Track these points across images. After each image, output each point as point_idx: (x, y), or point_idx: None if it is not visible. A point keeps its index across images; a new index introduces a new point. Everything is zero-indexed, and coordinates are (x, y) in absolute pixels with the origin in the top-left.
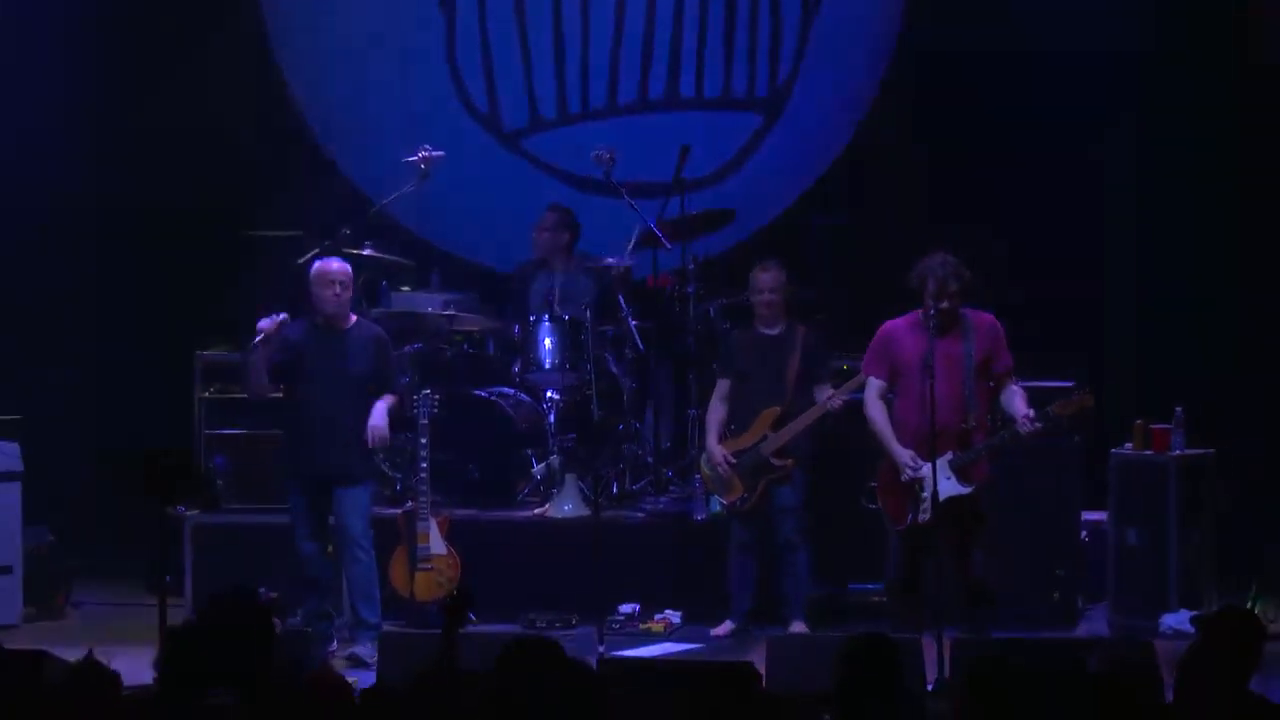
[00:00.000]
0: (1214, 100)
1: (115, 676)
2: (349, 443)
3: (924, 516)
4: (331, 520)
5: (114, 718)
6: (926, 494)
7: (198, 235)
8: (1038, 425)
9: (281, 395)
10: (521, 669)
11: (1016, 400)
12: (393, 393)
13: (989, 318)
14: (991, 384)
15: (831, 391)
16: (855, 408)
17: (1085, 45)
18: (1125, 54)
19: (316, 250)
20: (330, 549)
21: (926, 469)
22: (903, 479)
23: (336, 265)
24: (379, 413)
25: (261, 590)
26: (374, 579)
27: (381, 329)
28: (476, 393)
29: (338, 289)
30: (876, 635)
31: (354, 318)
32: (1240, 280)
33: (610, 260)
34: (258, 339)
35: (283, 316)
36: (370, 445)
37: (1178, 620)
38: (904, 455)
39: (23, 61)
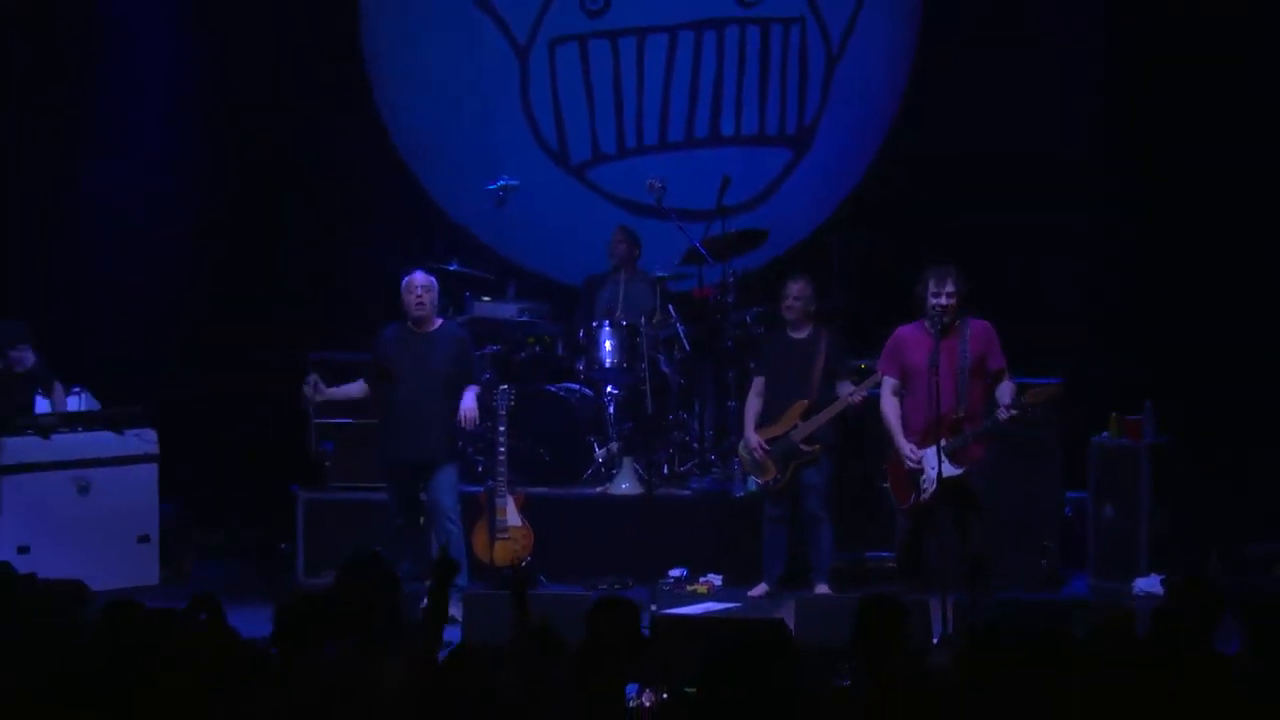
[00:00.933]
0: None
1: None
2: (435, 430)
3: (925, 496)
4: (424, 496)
5: (236, 665)
6: (929, 476)
7: (311, 252)
8: (1013, 413)
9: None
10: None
11: (1004, 394)
12: (474, 384)
13: (984, 324)
14: (988, 381)
15: (852, 388)
16: (871, 402)
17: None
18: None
19: (409, 264)
20: (420, 521)
21: (926, 455)
22: (905, 467)
23: (420, 276)
24: (469, 398)
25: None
26: (462, 547)
27: (465, 330)
28: (547, 388)
29: (420, 294)
30: (885, 595)
31: (439, 321)
32: (1192, 290)
33: (660, 273)
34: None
35: (314, 379)
36: (464, 426)
37: (1148, 584)
38: (905, 447)
39: (159, 99)
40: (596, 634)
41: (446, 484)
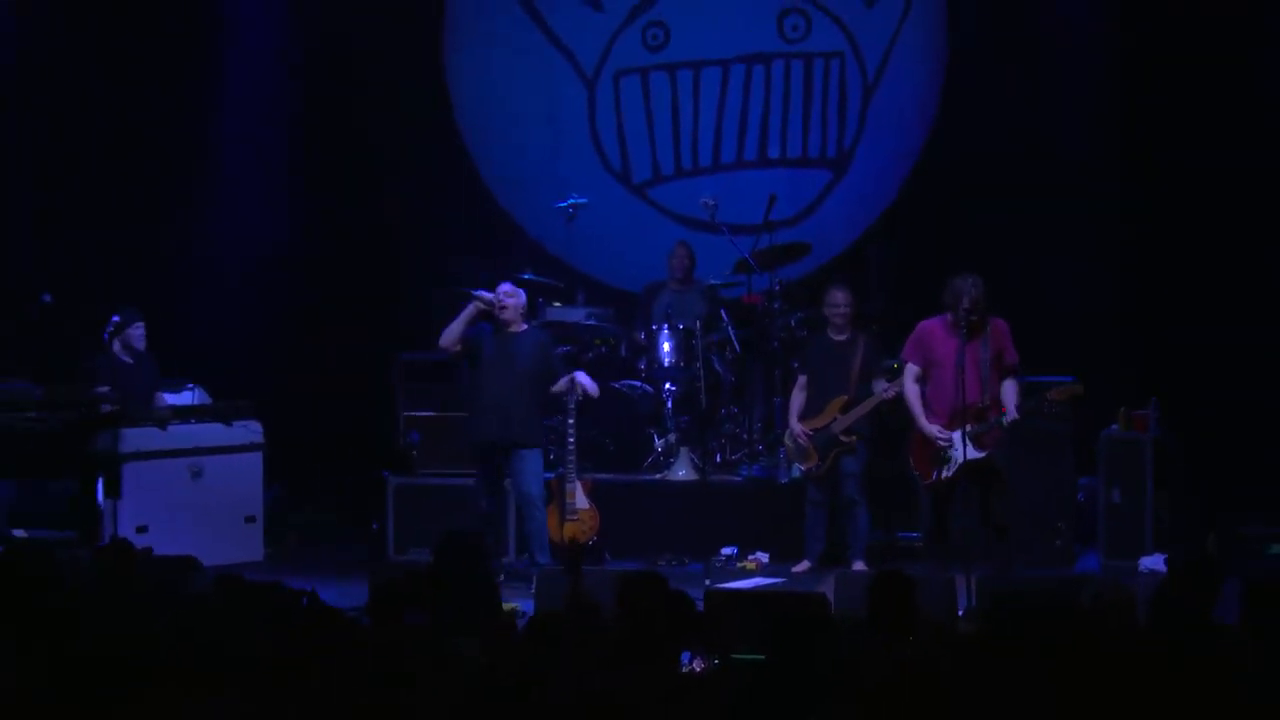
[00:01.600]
0: None
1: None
2: (518, 420)
3: (947, 474)
4: (509, 483)
5: (333, 632)
6: (955, 458)
7: (400, 262)
8: (1017, 418)
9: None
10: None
11: (1009, 394)
12: (563, 375)
13: (1002, 323)
14: (1004, 373)
15: (886, 384)
16: (899, 401)
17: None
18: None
19: (488, 276)
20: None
21: (955, 437)
22: (932, 447)
23: (506, 286)
24: (583, 379)
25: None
26: (545, 530)
27: (547, 334)
28: (611, 385)
29: (504, 299)
30: (894, 571)
31: (525, 325)
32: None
33: (713, 281)
34: (477, 296)
35: (490, 296)
36: (580, 391)
37: (1153, 562)
38: (932, 428)
39: (263, 113)
40: (630, 607)
41: (531, 472)
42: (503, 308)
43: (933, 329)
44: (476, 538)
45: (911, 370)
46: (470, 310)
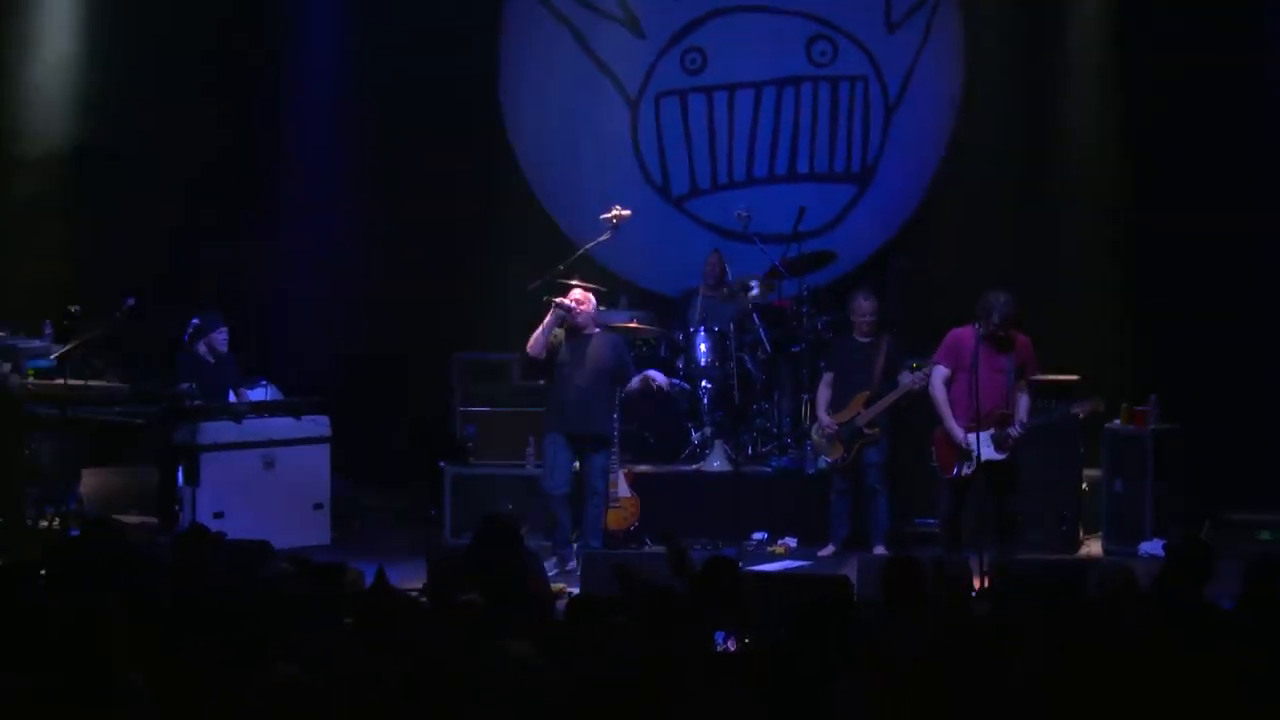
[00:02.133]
0: None
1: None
2: (595, 418)
3: (968, 471)
4: (578, 469)
5: (394, 610)
6: (978, 455)
7: (457, 268)
8: (1022, 433)
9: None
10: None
11: (1021, 407)
12: (635, 375)
13: (1025, 339)
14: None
15: (912, 376)
16: (922, 394)
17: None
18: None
19: (539, 281)
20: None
21: (972, 440)
22: (959, 449)
23: (579, 292)
24: (657, 375)
25: (509, 506)
26: (602, 519)
27: (619, 337)
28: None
29: (579, 305)
30: (904, 556)
31: (597, 329)
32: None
33: (745, 285)
34: (557, 304)
35: (569, 303)
36: (656, 387)
37: (1152, 547)
38: (958, 431)
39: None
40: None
41: (600, 468)
42: (579, 313)
43: (964, 337)
44: (513, 521)
45: (941, 373)
46: (551, 318)
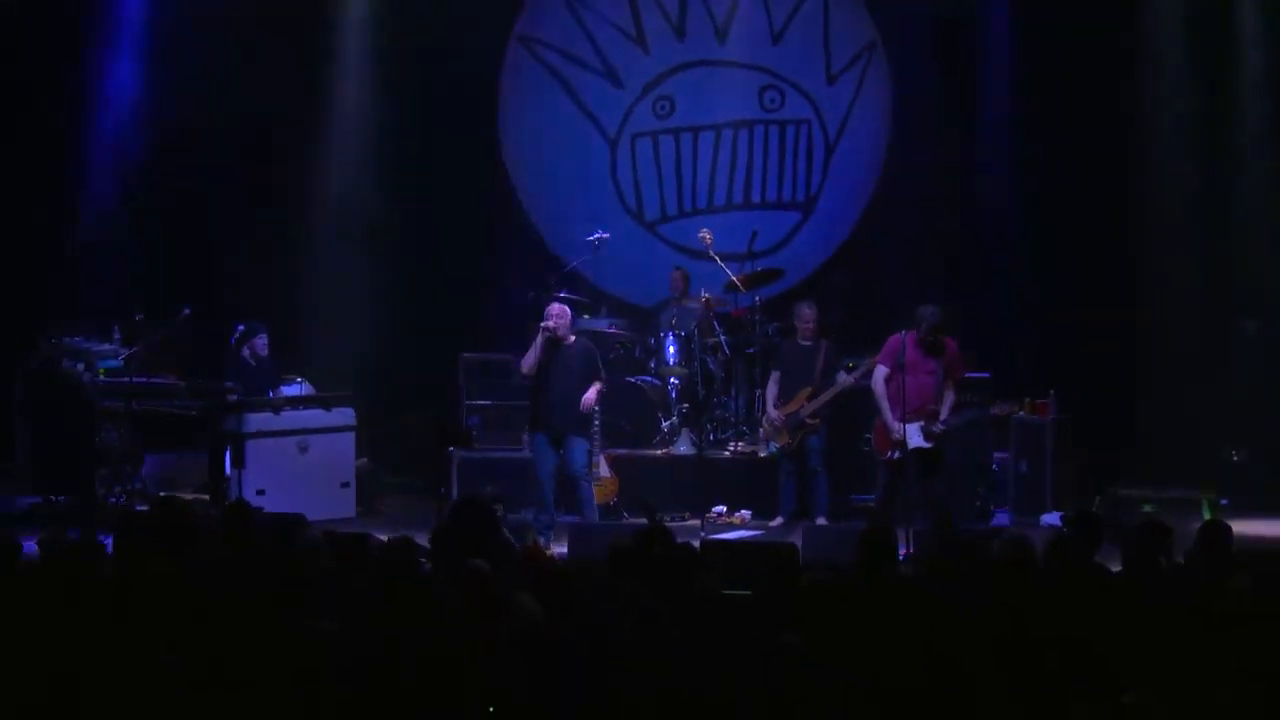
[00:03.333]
0: None
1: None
2: (572, 412)
3: (898, 455)
4: (562, 456)
5: (410, 572)
6: (908, 445)
7: (463, 281)
8: (944, 427)
9: (532, 382)
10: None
11: (945, 405)
12: (600, 380)
13: (953, 344)
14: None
15: (847, 375)
16: (857, 390)
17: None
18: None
19: (533, 294)
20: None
21: (906, 430)
22: (893, 438)
23: (556, 307)
24: (590, 393)
25: (489, 489)
26: (593, 496)
27: (592, 344)
28: (628, 379)
29: (555, 319)
30: (885, 526)
31: (573, 337)
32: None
33: (707, 297)
34: (545, 327)
35: (552, 324)
36: (582, 410)
37: (1051, 518)
38: (893, 423)
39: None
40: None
41: (580, 453)
42: (560, 329)
43: (902, 341)
44: (487, 500)
45: (881, 371)
46: (540, 339)
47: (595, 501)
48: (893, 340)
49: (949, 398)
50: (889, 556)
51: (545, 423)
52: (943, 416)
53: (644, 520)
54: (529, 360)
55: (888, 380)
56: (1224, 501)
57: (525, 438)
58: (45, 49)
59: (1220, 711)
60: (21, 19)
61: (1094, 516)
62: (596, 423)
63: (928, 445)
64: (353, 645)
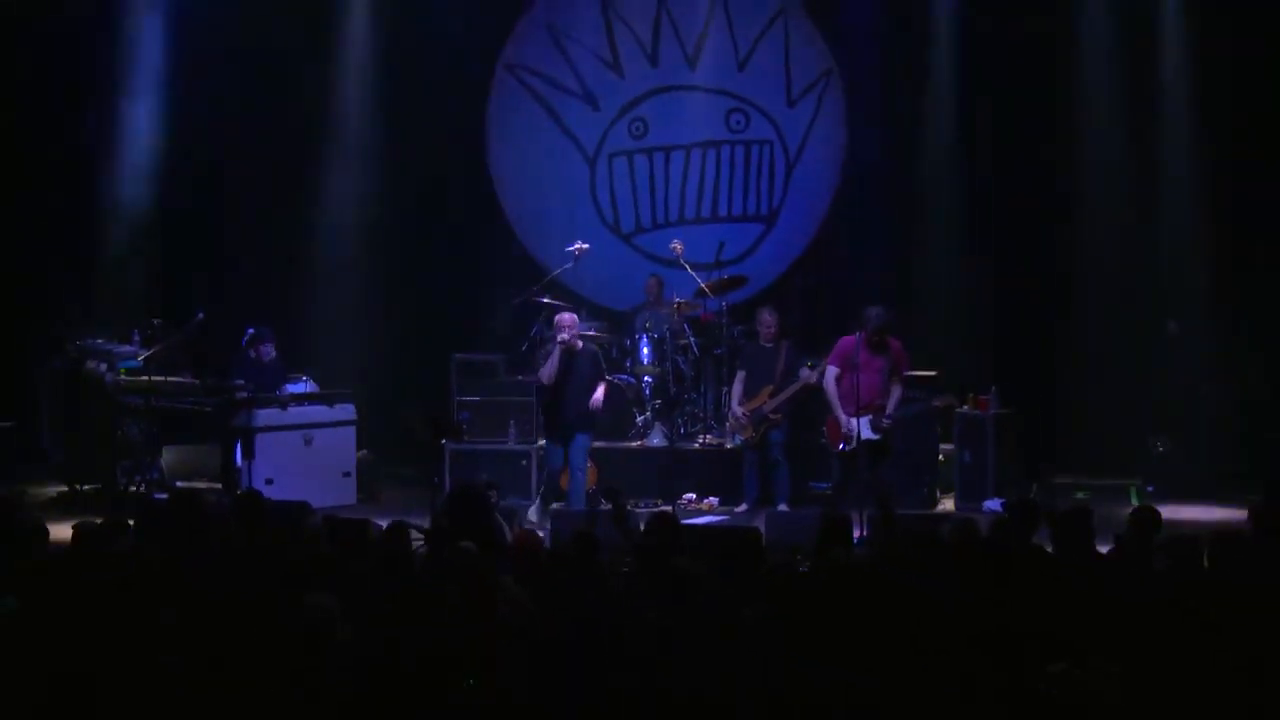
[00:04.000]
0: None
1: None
2: (580, 411)
3: (849, 448)
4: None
5: (404, 555)
6: (856, 437)
7: (455, 291)
8: (891, 421)
9: (551, 393)
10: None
11: (892, 399)
12: (604, 381)
13: (898, 343)
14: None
15: (808, 371)
16: (815, 388)
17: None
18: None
19: (519, 299)
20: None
21: (855, 423)
22: (844, 431)
23: (568, 317)
24: (598, 393)
25: (484, 477)
26: (583, 487)
27: (598, 351)
28: (606, 378)
29: (569, 331)
30: (842, 514)
31: (581, 343)
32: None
33: (679, 300)
34: (561, 339)
35: (566, 336)
36: (591, 408)
37: (993, 504)
38: (843, 417)
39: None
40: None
41: (583, 448)
42: (573, 341)
43: (851, 342)
44: (483, 487)
45: (832, 371)
46: (556, 351)
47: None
48: (844, 342)
49: (896, 392)
50: (844, 540)
51: (561, 427)
52: (889, 410)
53: (633, 508)
54: (548, 370)
55: (839, 379)
56: (1149, 488)
57: (511, 431)
58: (73, 71)
59: (1149, 677)
60: (54, 41)
61: (1031, 503)
62: (601, 417)
63: (876, 437)
64: (354, 630)
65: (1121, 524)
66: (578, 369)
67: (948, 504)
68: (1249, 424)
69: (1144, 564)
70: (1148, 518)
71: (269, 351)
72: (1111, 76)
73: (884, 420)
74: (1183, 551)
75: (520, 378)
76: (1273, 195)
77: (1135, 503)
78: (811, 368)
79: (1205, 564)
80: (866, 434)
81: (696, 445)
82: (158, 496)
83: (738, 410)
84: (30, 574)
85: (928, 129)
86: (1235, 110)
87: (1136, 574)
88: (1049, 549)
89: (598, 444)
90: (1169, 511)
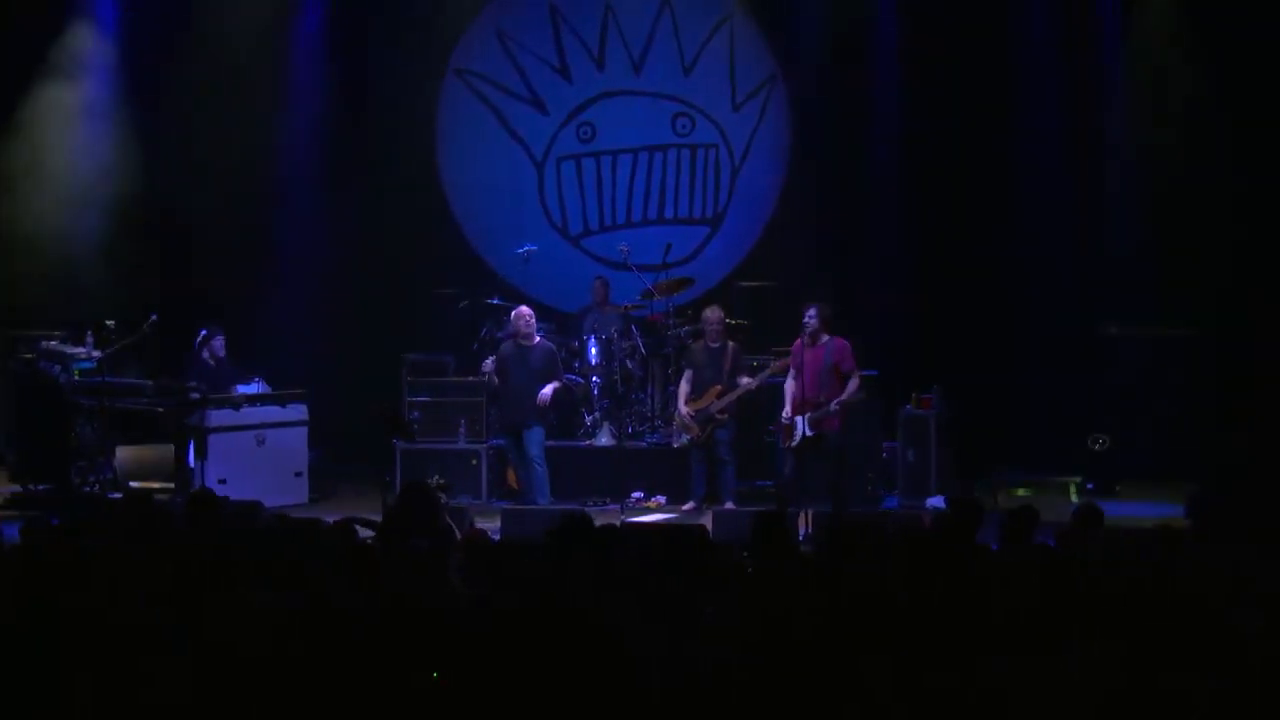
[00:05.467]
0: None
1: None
2: (532, 406)
3: (792, 444)
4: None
5: (354, 552)
6: (797, 434)
7: (407, 292)
8: (836, 409)
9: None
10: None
11: (847, 391)
12: (558, 379)
13: (843, 340)
14: (843, 378)
15: (748, 379)
16: (762, 388)
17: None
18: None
19: (468, 301)
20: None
21: (796, 420)
22: (785, 427)
23: (526, 310)
24: (546, 389)
25: (435, 477)
26: (546, 482)
27: (552, 345)
28: (562, 378)
29: (524, 322)
30: (775, 511)
31: (537, 338)
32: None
33: (625, 304)
34: (486, 371)
35: (491, 365)
36: (538, 404)
37: (936, 501)
38: (786, 416)
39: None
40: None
41: (535, 442)
42: (524, 328)
43: (799, 345)
44: (431, 486)
45: (790, 373)
46: (488, 373)
47: (546, 486)
48: (795, 344)
49: (851, 385)
50: (786, 536)
51: (509, 420)
52: (835, 403)
53: (574, 506)
54: (488, 363)
55: (794, 379)
56: (1089, 485)
57: (461, 431)
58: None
59: (1088, 665)
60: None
61: (973, 500)
62: (552, 417)
63: (813, 433)
64: (289, 616)
65: (1062, 520)
66: (527, 362)
67: (891, 502)
68: (1188, 421)
69: (1085, 559)
70: (1089, 514)
71: (220, 348)
72: (1051, 75)
73: (820, 414)
74: (1122, 547)
75: (471, 378)
76: (1212, 191)
77: (1075, 500)
78: (756, 368)
79: (1144, 559)
80: (808, 430)
81: (644, 444)
82: (111, 496)
83: (684, 410)
84: None
85: (869, 132)
86: (1177, 105)
87: (1078, 569)
88: (993, 546)
89: (547, 443)
90: (1109, 508)
